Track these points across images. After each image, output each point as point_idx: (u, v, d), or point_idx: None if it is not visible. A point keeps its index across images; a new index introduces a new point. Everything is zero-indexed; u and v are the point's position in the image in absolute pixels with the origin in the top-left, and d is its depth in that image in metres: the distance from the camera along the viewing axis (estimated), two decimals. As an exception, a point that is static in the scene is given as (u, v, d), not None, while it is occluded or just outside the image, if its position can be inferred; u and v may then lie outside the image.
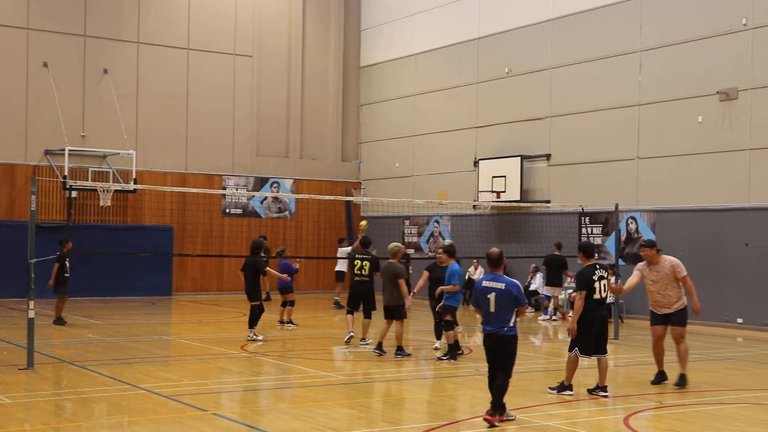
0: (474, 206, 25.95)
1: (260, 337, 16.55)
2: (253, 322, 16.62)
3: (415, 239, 29.01)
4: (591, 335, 10.98)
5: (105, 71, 27.11)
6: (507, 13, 26.25)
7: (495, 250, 9.65)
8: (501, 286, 9.32)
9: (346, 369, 13.37)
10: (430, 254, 26.53)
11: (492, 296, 9.29)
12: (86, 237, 25.34)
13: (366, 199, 24.15)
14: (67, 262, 18.89)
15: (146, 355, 14.47)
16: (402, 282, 14.41)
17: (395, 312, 14.50)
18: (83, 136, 26.68)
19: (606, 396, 10.99)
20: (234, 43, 29.37)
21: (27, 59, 26.07)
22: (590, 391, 11.08)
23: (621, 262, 20.82)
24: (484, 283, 9.43)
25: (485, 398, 10.47)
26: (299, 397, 11.22)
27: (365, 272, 15.39)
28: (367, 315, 15.49)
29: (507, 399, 9.39)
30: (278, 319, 19.41)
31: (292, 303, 19.22)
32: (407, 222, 29.51)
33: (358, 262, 15.49)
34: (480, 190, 25.81)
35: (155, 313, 22.92)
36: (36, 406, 10.21)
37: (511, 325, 9.28)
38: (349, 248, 23.10)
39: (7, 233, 24.94)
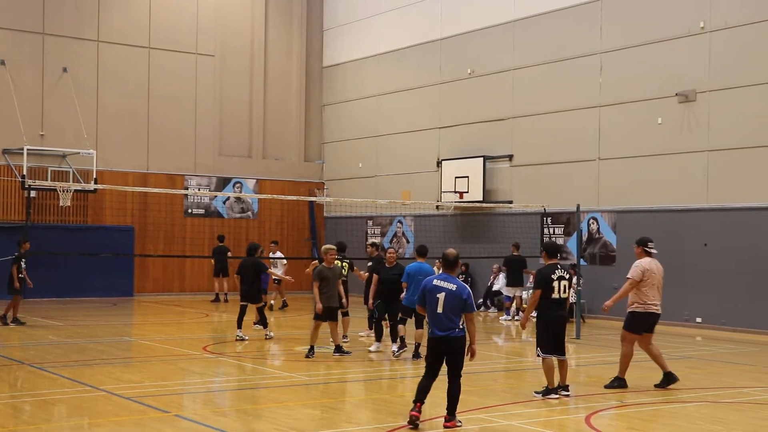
0: (437, 206, 26.03)
1: (247, 337, 16.60)
2: (240, 322, 16.65)
3: (378, 239, 29.03)
4: (550, 335, 10.98)
5: (65, 70, 26.78)
6: (469, 14, 26.37)
7: (452, 251, 9.25)
8: (452, 287, 8.92)
9: (309, 369, 13.34)
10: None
11: (441, 296, 8.91)
12: (46, 237, 25.04)
13: (329, 200, 24.18)
14: (23, 263, 18.69)
15: (107, 357, 14.32)
16: (339, 282, 14.77)
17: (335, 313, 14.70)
18: (42, 135, 26.33)
19: (568, 395, 11.08)
20: (196, 43, 29.18)
21: (-16, 57, 25.72)
22: (540, 393, 11.02)
23: (582, 262, 21.00)
24: (435, 282, 9.04)
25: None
26: (262, 397, 11.18)
27: (345, 272, 16.35)
28: (346, 314, 16.21)
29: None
30: (254, 321, 19.33)
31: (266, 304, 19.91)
32: (370, 222, 29.52)
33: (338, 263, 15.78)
34: (443, 190, 25.89)
35: (116, 314, 22.69)
36: (-6, 409, 10.05)
37: (461, 326, 8.92)
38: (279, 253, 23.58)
39: (-35, 233, 24.56)
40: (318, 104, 31.75)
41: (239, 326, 16.67)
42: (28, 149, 24.72)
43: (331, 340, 14.92)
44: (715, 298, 20.20)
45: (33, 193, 25.38)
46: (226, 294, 26.22)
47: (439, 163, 26.73)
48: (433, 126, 27.34)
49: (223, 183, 29.64)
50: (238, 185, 29.97)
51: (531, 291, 12.13)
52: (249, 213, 30.14)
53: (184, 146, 28.95)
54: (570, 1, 23.54)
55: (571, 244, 22.73)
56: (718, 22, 20.45)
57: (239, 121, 30.17)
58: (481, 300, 24.54)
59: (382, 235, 29.09)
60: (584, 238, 22.51)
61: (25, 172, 24.53)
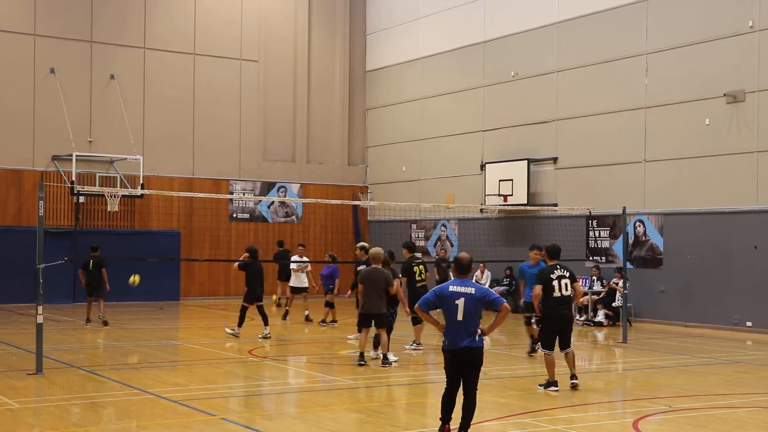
0: (481, 210, 25.92)
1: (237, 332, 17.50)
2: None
3: (422, 243, 29.00)
4: (552, 331, 11.64)
5: (111, 77, 27.18)
6: (513, 16, 26.24)
7: (465, 255, 8.72)
8: (471, 290, 8.38)
9: (354, 373, 13.35)
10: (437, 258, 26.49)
11: (461, 302, 8.32)
12: (94, 242, 25.33)
13: (373, 203, 24.14)
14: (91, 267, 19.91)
15: (154, 360, 14.49)
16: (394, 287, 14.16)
17: (378, 319, 14.14)
18: (90, 141, 26.74)
19: (576, 383, 11.46)
20: (240, 49, 29.42)
21: (34, 65, 26.15)
22: (543, 386, 11.52)
23: (629, 265, 20.77)
24: (452, 288, 8.42)
25: (493, 402, 10.46)
26: (307, 401, 11.22)
27: (424, 276, 16.06)
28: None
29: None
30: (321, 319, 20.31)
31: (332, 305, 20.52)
32: (414, 226, 29.49)
33: (416, 268, 15.86)
34: (487, 193, 25.78)
35: (163, 317, 22.94)
36: (45, 411, 10.22)
37: (480, 336, 8.41)
38: (297, 257, 22.30)
39: (16, 239, 25.00)
40: (361, 108, 31.82)
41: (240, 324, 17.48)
42: (76, 155, 25.14)
43: (375, 351, 14.73)
44: (765, 301, 19.83)
45: (81, 199, 25.89)
46: (287, 299, 25.77)
47: (483, 166, 26.62)
48: (477, 129, 27.24)
49: (267, 187, 29.82)
50: (282, 190, 30.14)
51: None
52: (293, 217, 30.29)
53: (229, 151, 29.20)
54: (614, 3, 23.31)
55: (617, 247, 22.48)
56: (767, 20, 20.09)
57: (283, 126, 30.35)
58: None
59: (426, 238, 29.05)
60: (630, 241, 22.25)
61: (73, 178, 24.96)
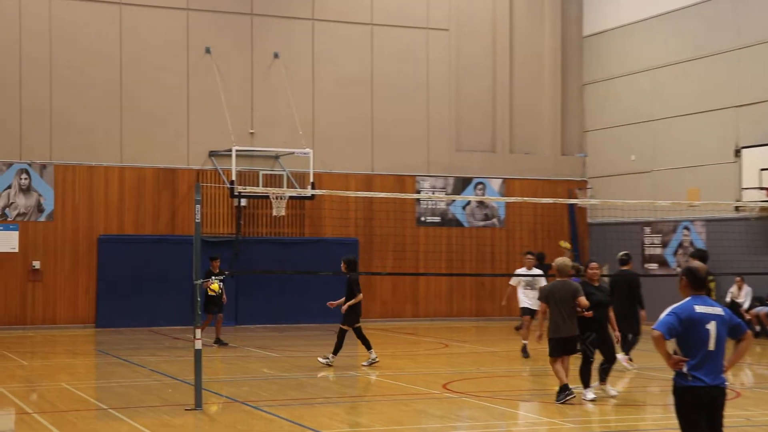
0: (736, 208, 24.94)
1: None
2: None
3: (658, 251, 28.12)
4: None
5: (276, 55, 28.01)
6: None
7: (701, 265, 8.25)
8: (719, 311, 7.93)
9: (575, 414, 13.06)
10: (678, 270, 25.63)
11: (712, 326, 7.86)
12: (257, 252, 26.24)
13: (594, 202, 23.73)
14: (211, 281, 20.58)
15: (330, 395, 14.75)
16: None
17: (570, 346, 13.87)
18: (252, 133, 27.65)
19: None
20: (427, 15, 29.58)
21: (187, 45, 27.31)
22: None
23: None
24: (699, 309, 7.90)
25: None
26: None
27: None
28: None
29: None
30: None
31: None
32: (647, 229, 28.67)
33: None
34: (744, 186, 24.80)
35: (339, 343, 23.34)
36: (205, 453, 10.57)
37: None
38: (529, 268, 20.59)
39: (169, 250, 26.19)
40: (577, 83, 31.29)
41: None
42: (236, 150, 25.78)
43: (602, 384, 14.43)
44: None
45: (243, 202, 26.71)
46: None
47: (738, 152, 25.61)
48: (730, 104, 26.19)
49: (461, 184, 29.85)
50: (480, 187, 30.05)
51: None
52: (494, 220, 30.15)
53: (415, 141, 29.45)
54: None
55: None
56: None
57: (480, 109, 30.27)
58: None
59: (663, 244, 28.16)
60: None
61: (233, 177, 25.58)
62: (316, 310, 27.20)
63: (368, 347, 17.99)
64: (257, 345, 22.05)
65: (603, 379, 14.30)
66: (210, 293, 20.99)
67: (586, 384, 13.94)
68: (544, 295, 13.97)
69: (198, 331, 13.06)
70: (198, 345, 13.00)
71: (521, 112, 30.68)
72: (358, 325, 18.09)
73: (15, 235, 25.44)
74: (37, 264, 25.54)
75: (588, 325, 13.91)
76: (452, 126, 29.90)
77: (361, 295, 18.22)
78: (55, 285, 25.75)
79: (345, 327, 18.01)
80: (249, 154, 27.08)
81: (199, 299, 13.22)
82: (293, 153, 26.95)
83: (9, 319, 25.26)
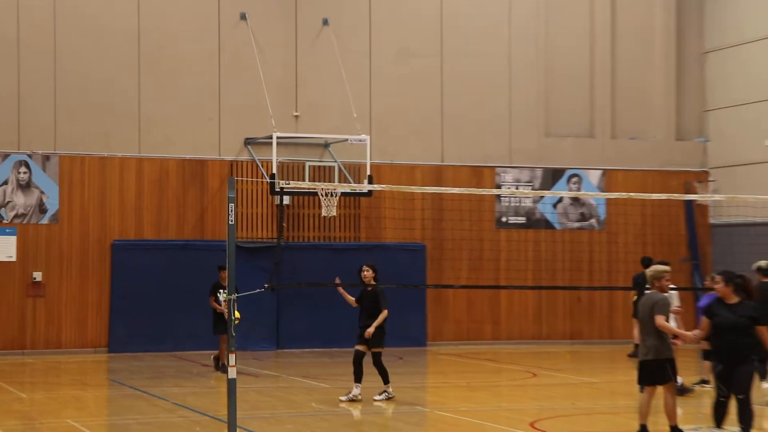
0: None
1: None
2: None
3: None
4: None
5: (324, 22, 28.04)
6: None
7: None
8: None
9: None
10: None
11: None
12: (302, 261, 26.24)
13: (718, 197, 23.41)
14: (220, 295, 20.72)
15: (393, 435, 14.68)
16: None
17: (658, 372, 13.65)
18: (296, 116, 27.69)
19: None
20: (507, -31, 29.53)
21: (218, 10, 27.42)
22: None
23: None
24: None
25: None
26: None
27: None
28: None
29: None
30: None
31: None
32: (785, 231, 28.29)
33: None
34: None
35: (403, 372, 23.26)
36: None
37: None
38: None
39: (197, 258, 26.22)
40: (696, 52, 31.04)
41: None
42: (278, 137, 25.75)
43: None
44: None
45: (286, 199, 26.74)
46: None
47: None
48: None
49: (552, 177, 29.70)
50: (574, 179, 29.88)
51: None
52: (593, 221, 29.94)
53: (494, 125, 29.32)
54: None
55: None
56: None
57: (574, 85, 30.10)
58: None
59: (805, 252, 27.69)
60: None
61: (274, 170, 25.64)
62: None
63: (386, 380, 17.71)
64: (303, 373, 22.10)
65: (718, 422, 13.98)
66: (219, 312, 21.24)
67: (717, 423, 13.71)
68: (637, 311, 13.96)
69: (232, 357, 13.04)
70: (232, 374, 13.00)
71: (626, 88, 30.52)
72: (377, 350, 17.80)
73: (12, 240, 25.66)
74: (38, 276, 25.77)
75: (717, 354, 13.68)
76: (540, 106, 29.79)
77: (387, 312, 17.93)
78: (60, 301, 25.96)
79: (378, 350, 17.82)
80: (293, 142, 27.15)
81: (233, 317, 13.18)
82: (346, 140, 26.88)
83: (4, 342, 25.50)
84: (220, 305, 21.30)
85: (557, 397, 19.51)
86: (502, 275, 28.27)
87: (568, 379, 21.90)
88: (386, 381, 17.67)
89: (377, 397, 17.61)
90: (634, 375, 20.55)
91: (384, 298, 18.13)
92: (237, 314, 20.22)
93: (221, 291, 21.15)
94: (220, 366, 21.62)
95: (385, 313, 18.00)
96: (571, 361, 26.00)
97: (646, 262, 25.29)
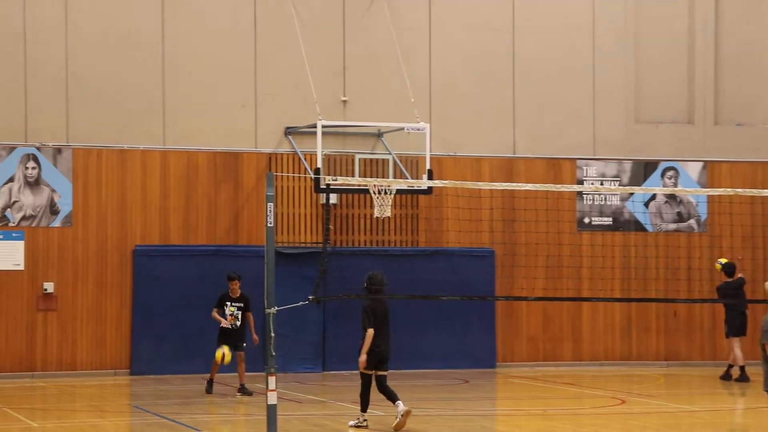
0: None
1: None
2: None
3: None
4: None
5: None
6: None
7: None
8: None
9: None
10: None
11: None
12: (351, 268, 26.21)
13: None
14: (227, 308, 22.10)
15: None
16: None
17: None
18: (344, 101, 27.95)
19: None
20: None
21: (255, -20, 27.76)
22: None
23: None
24: None
25: None
26: None
27: None
28: None
29: None
30: None
31: None
32: None
33: None
34: None
35: (469, 397, 23.47)
36: None
37: None
38: None
39: (230, 266, 26.13)
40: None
41: None
42: (323, 126, 25.86)
43: None
44: None
45: (333, 198, 26.86)
46: (742, 368, 25.16)
47: None
48: None
49: (643, 171, 29.72)
50: (670, 174, 29.83)
51: None
52: (692, 222, 29.89)
53: (575, 110, 29.43)
54: None
55: None
56: None
57: (670, 63, 30.08)
58: None
59: None
60: None
61: (319, 164, 25.67)
62: (437, 349, 27.48)
63: (365, 406, 17.81)
64: (352, 399, 22.10)
65: None
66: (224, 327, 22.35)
67: None
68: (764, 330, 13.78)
69: (271, 380, 13.30)
70: (272, 398, 13.26)
71: (732, 66, 30.50)
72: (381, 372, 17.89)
73: (19, 246, 26.01)
74: (49, 286, 26.09)
75: None
76: (629, 88, 29.82)
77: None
78: (75, 316, 26.30)
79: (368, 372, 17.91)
80: (340, 132, 27.46)
81: (272, 334, 13.48)
82: (403, 129, 26.96)
83: (12, 363, 25.89)
84: (226, 318, 22.30)
85: (650, 427, 19.56)
86: (585, 285, 28.40)
87: (663, 406, 21.94)
88: (394, 399, 17.64)
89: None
90: (740, 402, 20.84)
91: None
92: (228, 356, 21.73)
93: (228, 303, 22.26)
94: (241, 387, 22.43)
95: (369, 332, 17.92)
96: (666, 386, 25.99)
97: (729, 270, 25.46)
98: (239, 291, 22.48)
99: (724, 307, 25.31)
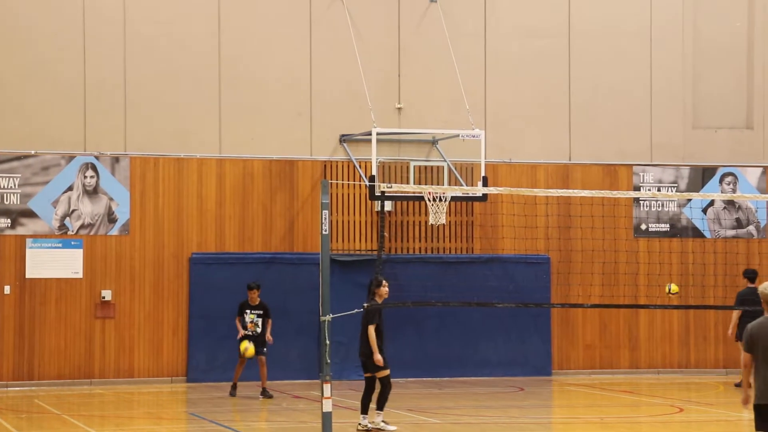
0: None
1: None
2: None
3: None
4: None
5: (432, -1, 28.49)
6: None
7: None
8: None
9: None
10: None
11: None
12: (405, 276, 26.28)
13: None
14: (247, 315, 23.36)
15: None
16: None
17: None
18: (399, 108, 28.04)
19: None
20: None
21: (310, -12, 27.86)
22: None
23: None
24: None
25: None
26: None
27: None
28: None
29: None
30: None
31: None
32: None
33: None
34: None
35: (525, 405, 23.47)
36: None
37: None
38: None
39: (286, 273, 26.83)
40: None
41: None
42: (378, 133, 25.79)
43: None
44: None
45: (388, 205, 26.99)
46: None
47: None
48: None
49: (701, 177, 29.64)
50: (729, 180, 29.72)
51: None
52: (751, 228, 29.79)
53: (632, 116, 29.35)
54: None
55: None
56: None
57: (729, 66, 30.00)
58: None
59: None
60: None
61: (374, 171, 25.71)
62: (492, 356, 27.50)
63: (365, 409, 17.80)
64: (408, 406, 22.17)
65: None
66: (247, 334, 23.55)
67: None
68: (746, 340, 13.20)
69: (327, 387, 13.41)
70: (327, 406, 13.38)
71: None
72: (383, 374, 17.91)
73: (78, 254, 26.29)
74: (107, 294, 26.37)
75: None
76: (687, 92, 29.74)
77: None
78: (132, 323, 26.54)
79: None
80: (395, 139, 27.55)
81: (327, 341, 13.64)
82: (458, 136, 26.96)
83: (70, 370, 26.17)
84: (246, 328, 23.37)
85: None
86: (642, 292, 28.31)
87: (723, 415, 21.88)
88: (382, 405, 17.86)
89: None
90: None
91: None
92: (251, 349, 22.59)
93: (248, 311, 23.35)
94: (263, 391, 23.69)
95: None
96: (725, 394, 25.85)
97: (751, 276, 25.41)
98: (258, 299, 23.68)
99: (741, 313, 25.09)
